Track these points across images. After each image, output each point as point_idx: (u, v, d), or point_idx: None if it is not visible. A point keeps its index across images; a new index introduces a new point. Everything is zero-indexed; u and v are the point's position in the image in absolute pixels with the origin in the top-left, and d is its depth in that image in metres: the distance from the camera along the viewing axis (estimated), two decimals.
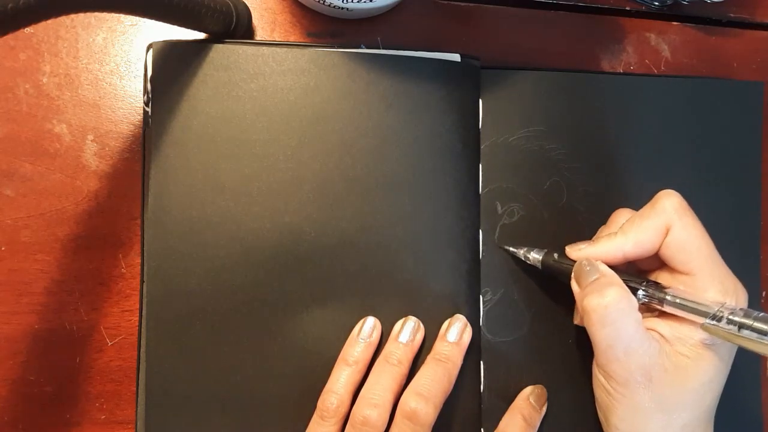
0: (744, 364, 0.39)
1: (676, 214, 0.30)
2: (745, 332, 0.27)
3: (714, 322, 0.28)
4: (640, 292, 0.30)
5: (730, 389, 0.31)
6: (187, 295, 0.32)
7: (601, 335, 0.29)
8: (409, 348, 0.32)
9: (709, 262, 0.29)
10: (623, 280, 0.30)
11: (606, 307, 0.28)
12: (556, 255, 0.33)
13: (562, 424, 0.36)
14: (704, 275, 0.29)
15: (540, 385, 0.35)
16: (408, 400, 0.30)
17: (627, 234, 0.30)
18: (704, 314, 0.28)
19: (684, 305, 0.29)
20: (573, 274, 0.31)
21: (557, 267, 0.32)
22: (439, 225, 0.34)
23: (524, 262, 0.35)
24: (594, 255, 0.31)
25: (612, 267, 0.30)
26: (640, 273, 0.33)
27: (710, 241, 0.30)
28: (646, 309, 0.31)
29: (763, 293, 0.40)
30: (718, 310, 0.28)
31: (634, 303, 0.29)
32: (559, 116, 0.37)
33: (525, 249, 0.34)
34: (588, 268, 0.30)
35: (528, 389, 0.35)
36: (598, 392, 0.31)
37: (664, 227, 0.30)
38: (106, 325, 0.33)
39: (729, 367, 0.30)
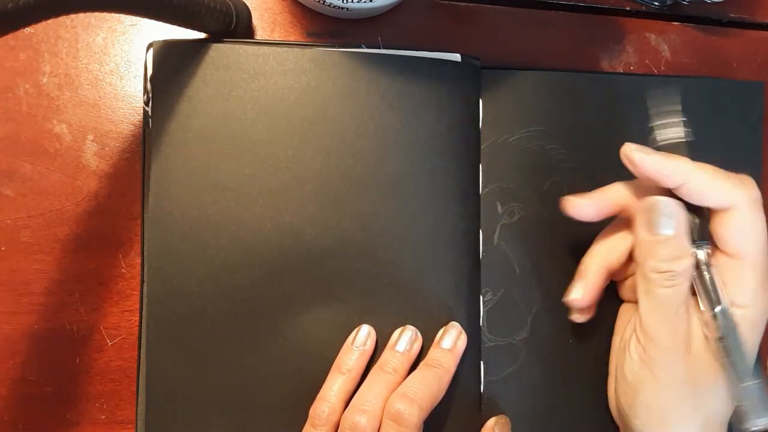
0: None
1: (749, 205, 0.29)
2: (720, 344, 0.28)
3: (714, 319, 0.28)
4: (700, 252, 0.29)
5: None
6: (187, 295, 0.32)
7: (661, 293, 0.29)
8: (405, 357, 0.32)
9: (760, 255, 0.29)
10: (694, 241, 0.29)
11: (678, 268, 0.28)
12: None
13: (563, 425, 0.36)
14: (749, 263, 0.29)
15: (503, 415, 0.34)
16: (393, 401, 0.29)
17: (701, 171, 0.29)
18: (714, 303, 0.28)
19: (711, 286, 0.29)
20: (646, 213, 0.30)
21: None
22: (440, 225, 0.34)
23: (523, 263, 0.35)
24: (663, 165, 0.29)
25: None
26: None
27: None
28: None
29: None
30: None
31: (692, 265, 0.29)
32: (559, 116, 0.37)
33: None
34: (664, 219, 0.29)
35: (491, 421, 0.34)
36: (629, 367, 0.31)
37: (730, 199, 0.29)
38: (106, 325, 0.33)
39: None
